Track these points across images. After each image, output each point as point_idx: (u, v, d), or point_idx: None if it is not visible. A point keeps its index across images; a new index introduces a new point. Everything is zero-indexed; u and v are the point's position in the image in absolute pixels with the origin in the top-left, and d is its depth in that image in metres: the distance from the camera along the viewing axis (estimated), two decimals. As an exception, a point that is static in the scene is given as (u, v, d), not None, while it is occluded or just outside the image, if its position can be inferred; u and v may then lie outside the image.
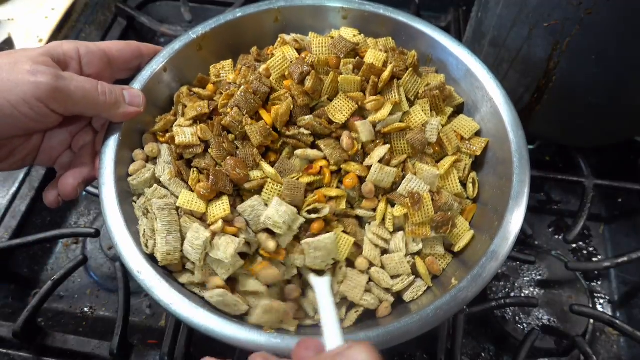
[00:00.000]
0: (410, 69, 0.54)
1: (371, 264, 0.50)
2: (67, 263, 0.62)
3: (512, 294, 0.66)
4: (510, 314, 0.64)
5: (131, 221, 0.47)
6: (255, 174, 0.49)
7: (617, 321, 0.59)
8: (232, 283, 0.48)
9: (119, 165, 0.49)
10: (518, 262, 0.67)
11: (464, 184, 0.54)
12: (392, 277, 0.50)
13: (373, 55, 0.54)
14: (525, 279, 0.67)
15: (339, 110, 0.51)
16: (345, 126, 0.52)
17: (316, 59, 0.53)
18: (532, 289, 0.66)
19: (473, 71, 0.56)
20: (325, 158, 0.50)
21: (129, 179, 0.50)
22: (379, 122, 0.51)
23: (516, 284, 0.67)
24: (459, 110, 0.58)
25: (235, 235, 0.47)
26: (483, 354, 0.62)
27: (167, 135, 0.53)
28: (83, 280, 0.67)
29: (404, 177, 0.50)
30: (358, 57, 0.54)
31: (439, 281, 0.50)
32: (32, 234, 0.64)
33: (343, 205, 0.50)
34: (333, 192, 0.49)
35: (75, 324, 0.63)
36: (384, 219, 0.50)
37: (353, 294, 0.48)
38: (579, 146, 0.73)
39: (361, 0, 0.61)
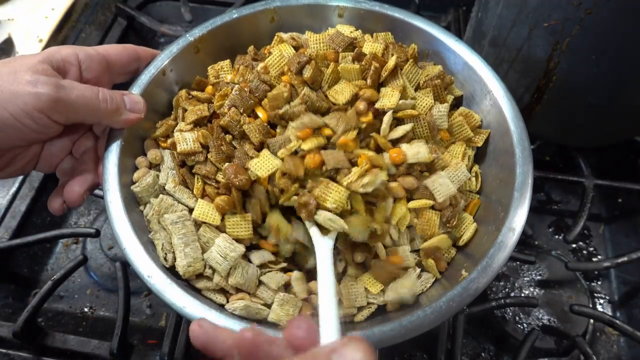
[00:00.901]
0: (411, 60, 0.54)
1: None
2: (67, 263, 0.61)
3: (512, 294, 0.66)
4: (510, 314, 0.64)
5: (138, 225, 0.47)
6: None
7: (617, 321, 0.59)
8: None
9: (123, 174, 0.49)
10: (518, 262, 0.67)
11: None
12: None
13: (371, 47, 0.54)
14: (525, 279, 0.67)
15: (340, 92, 0.51)
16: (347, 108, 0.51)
17: (314, 52, 0.53)
18: (532, 289, 0.66)
19: (471, 64, 0.56)
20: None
21: (132, 187, 0.50)
22: (387, 109, 0.50)
23: (516, 284, 0.67)
24: (457, 103, 0.58)
25: (274, 254, 0.49)
26: (483, 354, 0.62)
27: (169, 140, 0.52)
28: (83, 280, 0.67)
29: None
30: (357, 49, 0.54)
31: (448, 274, 0.50)
32: (32, 234, 0.64)
33: (384, 176, 0.47)
34: (379, 160, 0.46)
35: (75, 324, 0.63)
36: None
37: (358, 300, 0.48)
38: (579, 146, 0.73)
39: None
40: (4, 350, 0.58)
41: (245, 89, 0.51)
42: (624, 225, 0.73)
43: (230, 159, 0.50)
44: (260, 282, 0.48)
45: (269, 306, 0.47)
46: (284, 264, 0.49)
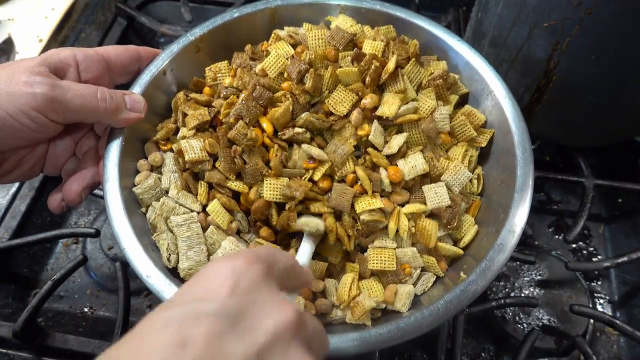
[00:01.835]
0: (413, 59, 0.54)
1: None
2: (67, 263, 0.61)
3: (512, 294, 0.66)
4: (510, 314, 0.64)
5: (138, 226, 0.47)
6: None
7: (617, 321, 0.59)
8: None
9: (124, 176, 0.49)
10: (518, 262, 0.67)
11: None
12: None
13: (370, 45, 0.54)
14: (525, 279, 0.67)
15: (340, 102, 0.51)
16: (347, 117, 0.51)
17: (313, 54, 0.53)
18: (532, 289, 0.66)
19: (473, 64, 0.56)
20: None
21: (134, 188, 0.50)
22: (386, 117, 0.50)
23: (516, 284, 0.67)
24: (463, 101, 0.58)
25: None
26: (483, 354, 0.62)
27: (174, 145, 0.52)
28: (83, 280, 0.67)
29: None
30: (356, 49, 0.54)
31: (449, 273, 0.50)
32: (32, 234, 0.64)
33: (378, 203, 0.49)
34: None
35: (75, 324, 0.63)
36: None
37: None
38: (579, 146, 0.73)
39: None
40: (4, 350, 0.58)
41: (251, 97, 0.51)
42: (624, 225, 0.73)
43: (241, 174, 0.50)
44: None
45: None
46: None
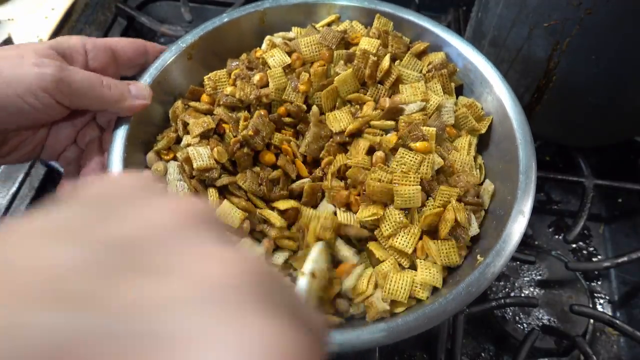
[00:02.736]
0: (410, 52, 0.54)
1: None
2: (67, 263, 0.61)
3: (512, 294, 0.66)
4: (510, 314, 0.64)
5: None
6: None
7: (617, 321, 0.59)
8: None
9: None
10: (518, 262, 0.67)
11: None
12: None
13: (367, 42, 0.53)
14: (525, 279, 0.67)
15: (338, 120, 0.52)
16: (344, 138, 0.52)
17: (312, 73, 0.53)
18: (532, 289, 0.66)
19: (474, 62, 0.56)
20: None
21: None
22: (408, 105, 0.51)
23: (516, 284, 0.67)
24: (456, 93, 0.58)
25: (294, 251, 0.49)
26: (483, 354, 0.62)
27: (179, 154, 0.51)
28: (83, 280, 0.67)
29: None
30: (350, 50, 0.54)
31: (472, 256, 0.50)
32: (32, 234, 0.64)
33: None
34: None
35: (75, 324, 0.63)
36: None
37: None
38: (579, 146, 0.73)
39: None
40: (4, 350, 0.58)
41: (266, 114, 0.52)
42: (624, 225, 0.73)
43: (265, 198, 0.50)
44: None
45: None
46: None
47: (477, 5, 0.71)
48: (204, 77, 0.56)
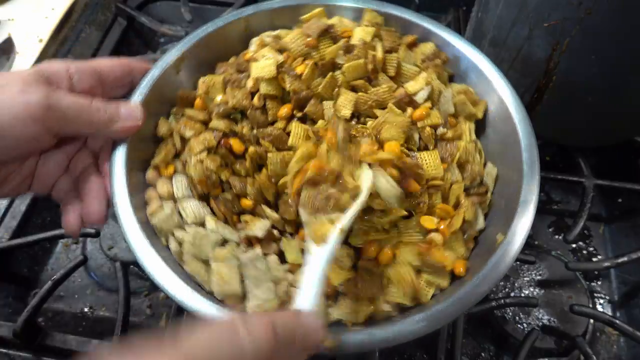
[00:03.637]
0: (404, 44, 0.54)
1: None
2: (67, 263, 0.62)
3: (512, 294, 0.66)
4: (510, 314, 0.64)
5: (169, 259, 0.46)
6: None
7: (617, 321, 0.59)
8: None
9: (136, 210, 0.47)
10: (518, 262, 0.67)
11: None
12: None
13: (361, 31, 0.53)
14: (525, 279, 0.67)
15: (343, 105, 0.51)
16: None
17: (298, 53, 0.52)
18: (532, 289, 0.66)
19: (475, 62, 0.56)
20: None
21: (151, 220, 0.48)
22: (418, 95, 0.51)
23: (516, 284, 0.67)
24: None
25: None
26: (483, 354, 0.62)
27: (189, 172, 0.50)
28: (83, 280, 0.67)
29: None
30: (344, 40, 0.53)
31: (483, 243, 0.50)
32: (32, 234, 0.64)
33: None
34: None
35: (75, 324, 0.63)
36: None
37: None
38: (579, 146, 0.73)
39: None
40: (4, 350, 0.58)
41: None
42: (624, 225, 0.73)
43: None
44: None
45: None
46: None
47: (477, 5, 0.71)
48: (199, 81, 0.55)
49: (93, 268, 0.67)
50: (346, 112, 0.51)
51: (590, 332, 0.63)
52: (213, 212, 0.49)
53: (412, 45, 0.57)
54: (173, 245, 0.47)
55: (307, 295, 0.38)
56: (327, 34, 0.54)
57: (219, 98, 0.53)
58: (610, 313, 0.66)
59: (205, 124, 0.53)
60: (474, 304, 0.43)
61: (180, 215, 0.49)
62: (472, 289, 0.43)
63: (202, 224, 0.49)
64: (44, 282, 0.60)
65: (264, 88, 0.52)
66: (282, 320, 0.32)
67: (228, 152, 0.51)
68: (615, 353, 0.63)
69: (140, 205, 0.48)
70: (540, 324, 0.63)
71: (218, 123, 0.52)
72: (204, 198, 0.50)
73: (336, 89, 0.53)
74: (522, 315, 0.64)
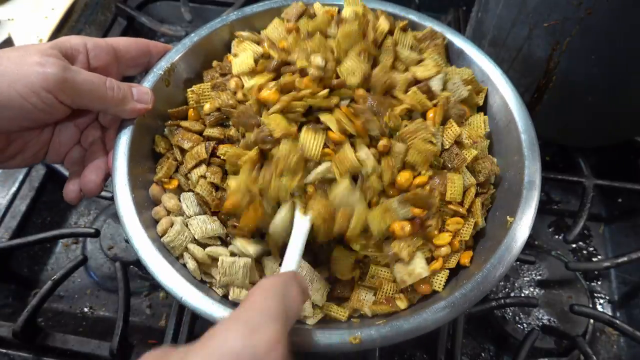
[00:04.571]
0: (398, 27, 0.54)
1: None
2: (67, 263, 0.62)
3: (512, 294, 0.66)
4: (510, 314, 0.64)
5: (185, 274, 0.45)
6: None
7: (617, 321, 0.59)
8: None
9: (147, 229, 0.46)
10: (518, 262, 0.67)
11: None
12: None
13: (350, 9, 0.52)
14: (525, 279, 0.67)
15: (352, 72, 0.47)
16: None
17: (276, 40, 0.51)
18: (532, 289, 0.66)
19: (476, 61, 0.56)
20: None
21: (162, 239, 0.47)
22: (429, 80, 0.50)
23: (516, 284, 0.67)
24: None
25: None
26: (483, 354, 0.62)
27: (197, 189, 0.50)
28: (83, 280, 0.67)
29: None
30: (336, 16, 0.52)
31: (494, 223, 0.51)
32: (32, 234, 0.64)
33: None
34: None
35: (75, 324, 0.63)
36: None
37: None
38: (579, 146, 0.73)
39: None
40: (4, 350, 0.58)
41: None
42: (624, 225, 0.73)
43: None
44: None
45: None
46: None
47: (477, 5, 0.71)
48: (187, 91, 0.54)
49: (93, 268, 0.67)
50: (354, 79, 0.47)
51: (590, 332, 0.63)
52: (224, 225, 0.49)
53: (404, 29, 0.56)
54: (190, 264, 0.47)
55: (293, 259, 0.42)
56: (307, 15, 0.53)
57: (207, 106, 0.52)
58: (610, 313, 0.66)
59: (202, 134, 0.52)
60: (494, 286, 0.44)
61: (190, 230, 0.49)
62: (489, 271, 0.43)
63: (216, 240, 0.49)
64: (44, 282, 0.60)
65: (248, 82, 0.51)
66: (285, 279, 0.36)
67: (223, 161, 0.50)
68: (615, 353, 0.63)
69: (150, 224, 0.48)
70: (540, 324, 0.63)
71: (212, 131, 0.52)
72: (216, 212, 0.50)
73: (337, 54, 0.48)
74: (522, 315, 0.64)
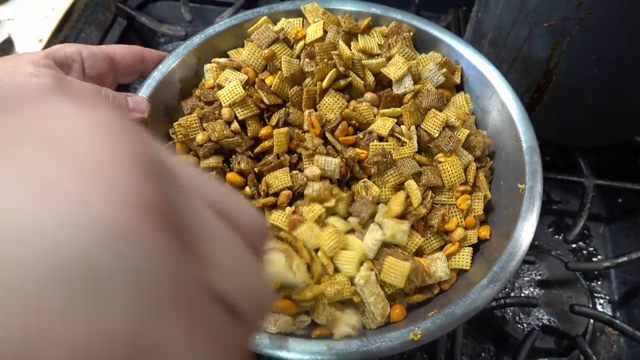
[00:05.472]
0: (362, 30, 0.55)
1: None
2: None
3: (512, 294, 0.66)
4: (510, 314, 0.64)
5: None
6: None
7: (617, 321, 0.59)
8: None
9: None
10: (518, 262, 0.67)
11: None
12: None
13: (312, 30, 0.53)
14: (525, 279, 0.67)
15: (330, 109, 0.51)
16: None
17: (251, 69, 0.52)
18: (532, 289, 0.66)
19: (475, 64, 0.56)
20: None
21: None
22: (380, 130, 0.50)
23: (516, 284, 0.67)
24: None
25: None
26: (483, 354, 0.62)
27: None
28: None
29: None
30: (301, 42, 0.53)
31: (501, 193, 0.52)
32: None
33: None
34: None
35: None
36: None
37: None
38: (579, 146, 0.73)
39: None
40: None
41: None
42: (624, 225, 0.73)
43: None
44: None
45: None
46: None
47: (477, 5, 0.71)
48: (174, 124, 0.52)
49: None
50: (332, 115, 0.50)
51: (590, 332, 0.63)
52: None
53: (367, 29, 0.56)
54: None
55: None
56: (279, 41, 0.54)
57: (200, 137, 0.51)
58: (610, 313, 0.66)
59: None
60: (526, 252, 0.45)
61: None
62: (517, 239, 0.45)
63: None
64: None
65: (240, 113, 0.51)
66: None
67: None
68: (615, 353, 0.63)
69: None
70: (540, 324, 0.63)
71: (208, 162, 0.51)
72: None
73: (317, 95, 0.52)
74: (522, 315, 0.64)
